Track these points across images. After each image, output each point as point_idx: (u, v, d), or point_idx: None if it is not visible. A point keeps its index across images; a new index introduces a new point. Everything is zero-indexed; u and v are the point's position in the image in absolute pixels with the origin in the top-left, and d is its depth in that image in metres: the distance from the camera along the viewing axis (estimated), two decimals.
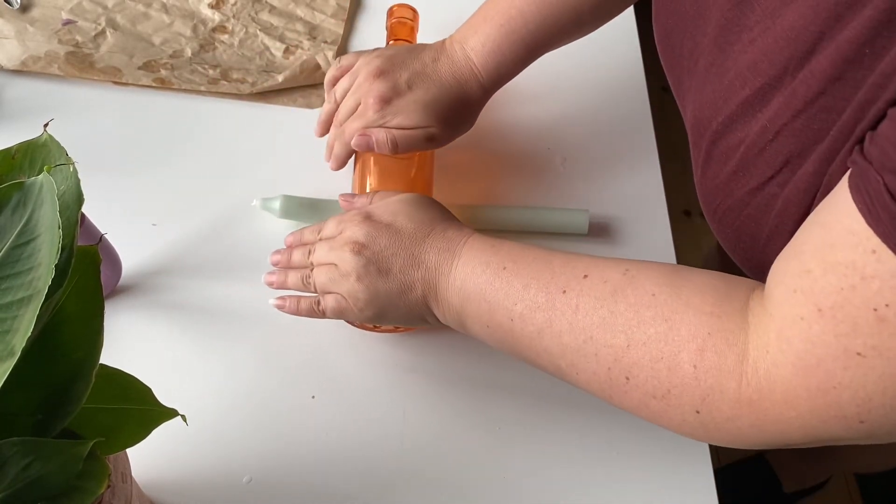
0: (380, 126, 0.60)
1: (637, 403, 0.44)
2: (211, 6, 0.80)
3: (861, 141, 0.36)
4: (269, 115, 0.75)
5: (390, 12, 0.75)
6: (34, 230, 0.32)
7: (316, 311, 0.55)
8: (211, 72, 0.75)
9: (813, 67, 0.38)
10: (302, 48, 0.78)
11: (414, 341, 0.63)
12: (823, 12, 0.37)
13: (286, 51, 0.78)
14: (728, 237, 0.47)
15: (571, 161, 0.73)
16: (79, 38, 0.76)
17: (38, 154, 0.38)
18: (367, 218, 0.54)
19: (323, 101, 0.76)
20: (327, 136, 0.66)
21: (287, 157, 0.73)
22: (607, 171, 0.73)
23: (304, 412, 0.60)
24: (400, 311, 0.52)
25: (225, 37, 0.78)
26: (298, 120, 0.75)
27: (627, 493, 0.57)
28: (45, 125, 0.38)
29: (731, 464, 1.27)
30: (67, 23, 0.77)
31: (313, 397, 0.60)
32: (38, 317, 0.30)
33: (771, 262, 0.44)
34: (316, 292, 0.55)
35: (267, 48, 0.78)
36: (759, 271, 0.46)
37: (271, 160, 0.72)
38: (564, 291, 0.46)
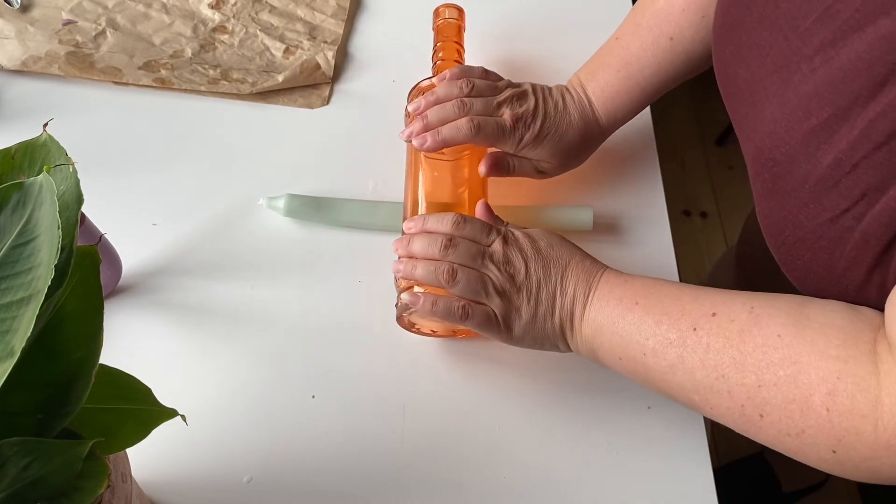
0: (514, 151, 0.63)
1: (773, 439, 0.45)
2: (211, 6, 0.80)
3: None
4: (269, 115, 0.75)
5: (437, 13, 0.74)
6: (34, 230, 0.32)
7: (455, 317, 0.53)
8: (211, 72, 0.75)
9: (892, 100, 0.37)
10: (302, 48, 0.78)
11: (414, 341, 0.63)
12: None
13: (286, 51, 0.78)
14: (797, 268, 0.48)
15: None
16: (79, 38, 0.76)
17: (37, 154, 0.38)
18: (517, 240, 0.55)
19: (322, 102, 0.76)
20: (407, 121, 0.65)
21: (286, 157, 0.73)
22: (607, 171, 0.73)
23: (304, 412, 0.60)
24: (537, 335, 0.54)
25: (225, 37, 0.78)
26: (298, 120, 0.75)
27: (627, 493, 0.57)
28: (45, 125, 0.38)
29: (731, 463, 1.27)
30: (68, 23, 0.77)
31: (313, 397, 0.60)
32: (38, 317, 0.30)
33: (848, 293, 0.44)
34: (452, 290, 0.54)
35: (267, 48, 0.78)
36: (834, 299, 0.46)
37: (271, 160, 0.72)
38: (695, 329, 0.47)
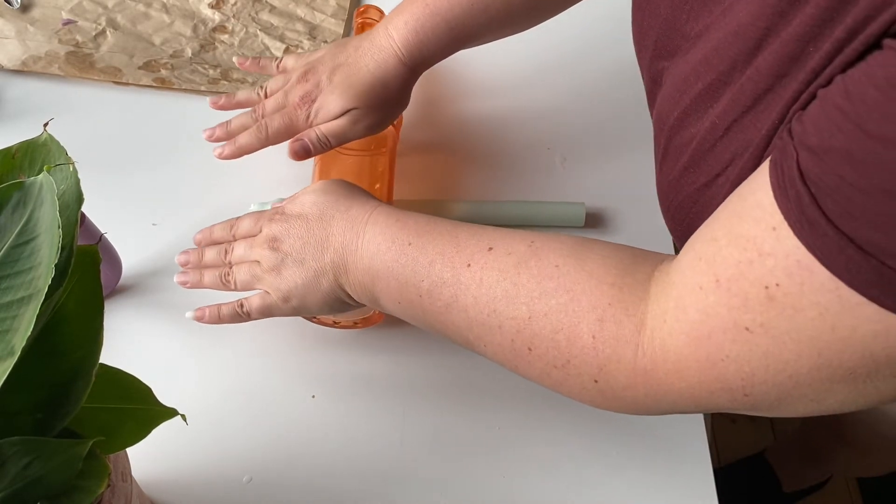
0: (308, 125, 0.61)
1: (539, 373, 0.45)
2: (211, 6, 0.80)
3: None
4: None
5: (358, 12, 0.76)
6: (34, 230, 0.32)
7: (240, 314, 0.55)
8: (211, 72, 0.75)
9: (759, 64, 0.37)
10: (302, 48, 0.78)
11: (414, 342, 0.63)
12: (769, 8, 0.36)
13: (286, 51, 0.78)
14: (681, 235, 0.47)
15: (570, 158, 0.73)
16: (79, 37, 0.76)
17: (38, 154, 0.38)
18: (280, 213, 0.54)
19: None
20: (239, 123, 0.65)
21: (287, 156, 0.72)
22: (605, 167, 0.73)
23: (304, 412, 0.60)
24: (319, 297, 0.53)
25: (225, 37, 0.78)
26: None
27: (627, 493, 0.57)
28: (45, 125, 0.38)
29: (731, 464, 1.27)
30: (68, 23, 0.77)
31: (313, 397, 0.60)
32: (38, 316, 0.30)
33: None
34: (235, 290, 0.55)
35: (267, 48, 0.78)
36: None
37: (271, 160, 0.72)
38: (469, 265, 0.46)
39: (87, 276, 0.37)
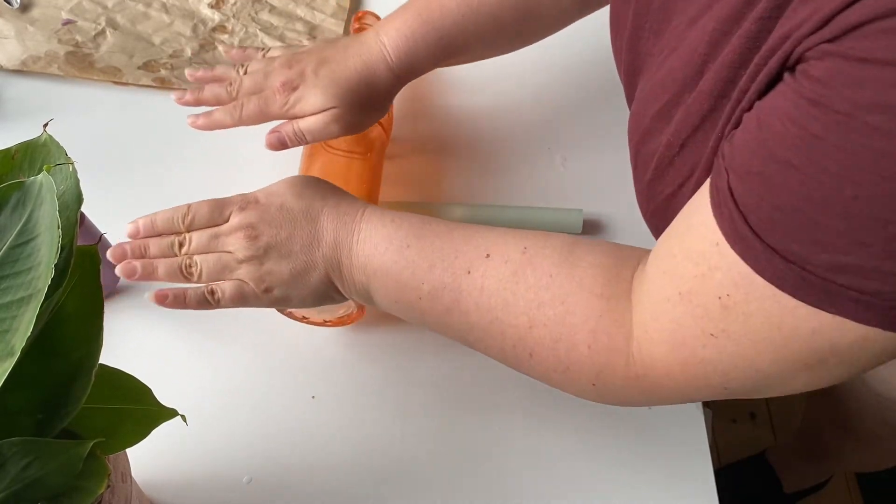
0: (284, 112, 0.60)
1: (541, 375, 0.48)
2: (211, 6, 0.80)
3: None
4: None
5: (355, 18, 0.76)
6: (34, 230, 0.32)
7: (209, 302, 0.52)
8: None
9: (702, 87, 0.40)
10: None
11: (414, 342, 0.63)
12: (706, 36, 0.39)
13: None
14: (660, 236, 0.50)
15: (570, 160, 0.73)
16: (79, 37, 0.76)
17: (37, 154, 0.38)
18: (255, 202, 0.53)
19: None
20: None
21: (287, 156, 0.72)
22: (604, 170, 0.72)
23: (304, 412, 0.60)
24: (305, 290, 0.52)
25: (225, 37, 0.78)
26: None
27: (627, 493, 0.57)
28: (45, 125, 0.38)
29: (731, 464, 1.27)
30: (67, 22, 0.77)
31: (313, 397, 0.60)
32: (38, 316, 0.30)
33: None
34: (199, 281, 0.52)
35: (267, 48, 0.78)
36: None
37: (271, 160, 0.72)
38: (469, 272, 0.48)
39: (86, 276, 0.37)
